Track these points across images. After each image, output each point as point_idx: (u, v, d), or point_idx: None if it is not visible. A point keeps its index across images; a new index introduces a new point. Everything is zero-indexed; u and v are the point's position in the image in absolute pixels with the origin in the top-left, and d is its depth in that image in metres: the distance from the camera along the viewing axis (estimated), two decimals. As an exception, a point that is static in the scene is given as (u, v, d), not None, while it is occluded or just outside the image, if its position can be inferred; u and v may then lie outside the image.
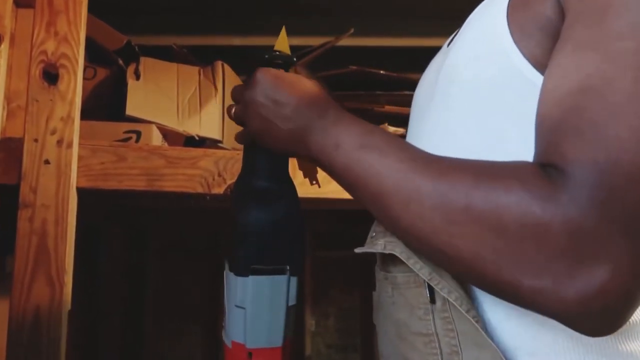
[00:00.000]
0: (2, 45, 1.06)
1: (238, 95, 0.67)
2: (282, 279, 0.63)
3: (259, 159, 0.65)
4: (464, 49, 0.60)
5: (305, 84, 0.62)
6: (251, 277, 0.62)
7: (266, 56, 0.66)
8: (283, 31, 0.68)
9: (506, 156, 0.51)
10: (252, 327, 0.63)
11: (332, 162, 0.56)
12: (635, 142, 0.41)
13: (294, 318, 0.66)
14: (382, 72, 1.51)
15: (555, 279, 0.42)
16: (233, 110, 0.67)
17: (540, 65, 0.50)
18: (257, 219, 0.63)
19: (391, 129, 1.48)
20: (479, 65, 0.56)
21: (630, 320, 0.50)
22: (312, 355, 2.20)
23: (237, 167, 1.13)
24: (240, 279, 0.62)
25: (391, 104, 1.50)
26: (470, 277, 0.50)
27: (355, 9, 1.75)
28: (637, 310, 0.51)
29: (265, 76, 0.62)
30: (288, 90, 0.60)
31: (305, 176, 0.78)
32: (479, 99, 0.56)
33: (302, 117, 0.59)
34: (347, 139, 0.55)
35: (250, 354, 0.63)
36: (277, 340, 0.64)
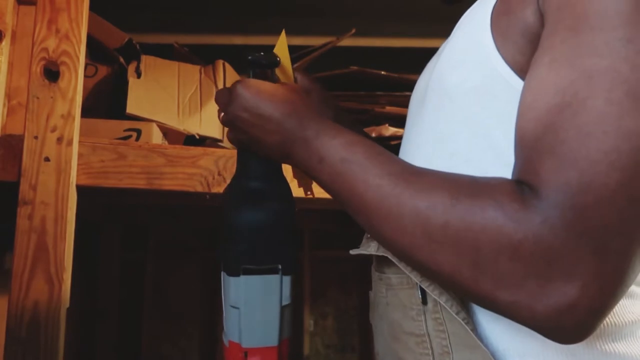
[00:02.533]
0: (4, 42, 1.06)
1: (222, 103, 0.66)
2: (274, 278, 0.63)
3: (251, 160, 0.65)
4: (451, 54, 0.60)
5: (286, 94, 0.61)
6: (243, 277, 0.62)
7: (249, 57, 0.65)
8: (283, 35, 0.67)
9: (495, 160, 0.52)
10: (246, 326, 0.63)
11: (317, 175, 0.57)
12: (605, 165, 0.42)
13: (290, 318, 0.66)
14: (382, 72, 1.51)
15: (527, 294, 0.44)
16: (221, 116, 0.67)
17: (522, 72, 0.51)
18: (248, 219, 0.63)
19: (391, 129, 1.48)
20: (464, 72, 0.57)
21: (617, 322, 0.53)
22: (311, 355, 2.20)
23: (237, 166, 1.13)
24: (233, 279, 0.63)
25: (392, 104, 1.50)
26: (451, 287, 0.51)
27: (357, 9, 1.76)
28: (624, 312, 0.53)
29: (246, 90, 0.61)
30: (269, 102, 0.60)
31: (300, 185, 0.78)
32: (466, 105, 0.56)
33: (285, 130, 0.59)
34: (330, 153, 0.56)
35: (246, 353, 0.63)
36: (273, 340, 0.64)
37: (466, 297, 0.52)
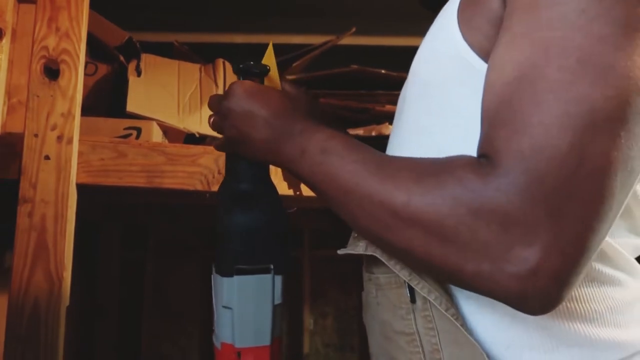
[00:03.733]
0: (4, 41, 1.06)
1: (215, 105, 0.69)
2: (266, 277, 0.65)
3: (239, 163, 0.68)
4: (424, 49, 0.63)
5: (277, 96, 0.65)
6: (236, 277, 0.64)
7: (240, 65, 0.68)
8: (270, 47, 0.69)
9: (471, 150, 0.52)
10: (239, 326, 0.64)
11: (299, 168, 0.60)
12: (557, 127, 0.43)
13: (283, 317, 0.68)
14: (382, 71, 1.51)
15: (491, 263, 0.45)
16: (212, 120, 0.69)
17: (489, 57, 0.51)
18: (238, 221, 0.65)
19: (391, 128, 1.48)
20: (435, 64, 0.59)
21: (598, 308, 0.54)
22: (310, 354, 2.20)
23: (236, 164, 1.13)
24: (225, 279, 0.65)
25: (392, 103, 1.50)
26: (423, 266, 0.53)
27: (357, 8, 1.76)
28: (604, 298, 0.55)
29: (240, 88, 0.65)
30: (260, 102, 0.64)
31: (289, 187, 0.79)
32: (439, 97, 0.58)
33: (272, 127, 0.62)
34: (311, 146, 0.58)
35: (239, 353, 0.65)
36: (265, 339, 0.65)
37: (438, 274, 0.54)
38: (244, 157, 0.67)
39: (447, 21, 0.57)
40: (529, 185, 0.43)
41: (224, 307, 0.65)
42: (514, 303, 0.46)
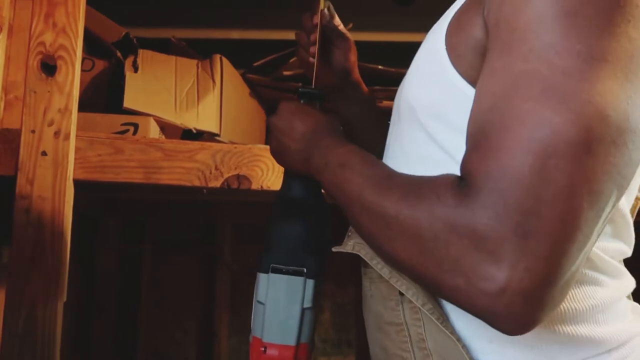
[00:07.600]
0: (0, 36, 1.06)
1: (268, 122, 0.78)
2: (298, 280, 0.70)
3: (287, 176, 0.77)
4: (413, 70, 0.66)
5: (315, 115, 0.73)
6: (270, 274, 0.70)
7: (300, 90, 0.79)
8: None
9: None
10: (268, 321, 0.69)
11: (322, 178, 0.66)
12: (521, 151, 0.46)
13: (313, 325, 0.71)
14: (380, 67, 1.51)
15: (464, 278, 0.47)
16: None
17: (476, 84, 0.55)
18: (279, 225, 0.73)
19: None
20: (425, 87, 0.62)
21: (578, 307, 0.57)
22: (307, 349, 2.20)
23: (233, 160, 1.14)
24: (262, 275, 0.71)
25: (389, 99, 1.50)
26: (410, 275, 0.56)
27: (355, 3, 1.75)
28: (584, 297, 0.58)
29: (286, 106, 0.75)
30: (300, 119, 0.72)
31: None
32: (431, 123, 0.60)
33: (306, 141, 0.70)
34: (332, 159, 0.64)
35: (265, 348, 0.69)
36: (291, 339, 0.69)
37: (421, 284, 0.57)
38: (284, 166, 0.75)
39: (435, 45, 0.60)
40: (495, 205, 0.46)
41: (258, 301, 0.71)
42: (488, 320, 0.48)
